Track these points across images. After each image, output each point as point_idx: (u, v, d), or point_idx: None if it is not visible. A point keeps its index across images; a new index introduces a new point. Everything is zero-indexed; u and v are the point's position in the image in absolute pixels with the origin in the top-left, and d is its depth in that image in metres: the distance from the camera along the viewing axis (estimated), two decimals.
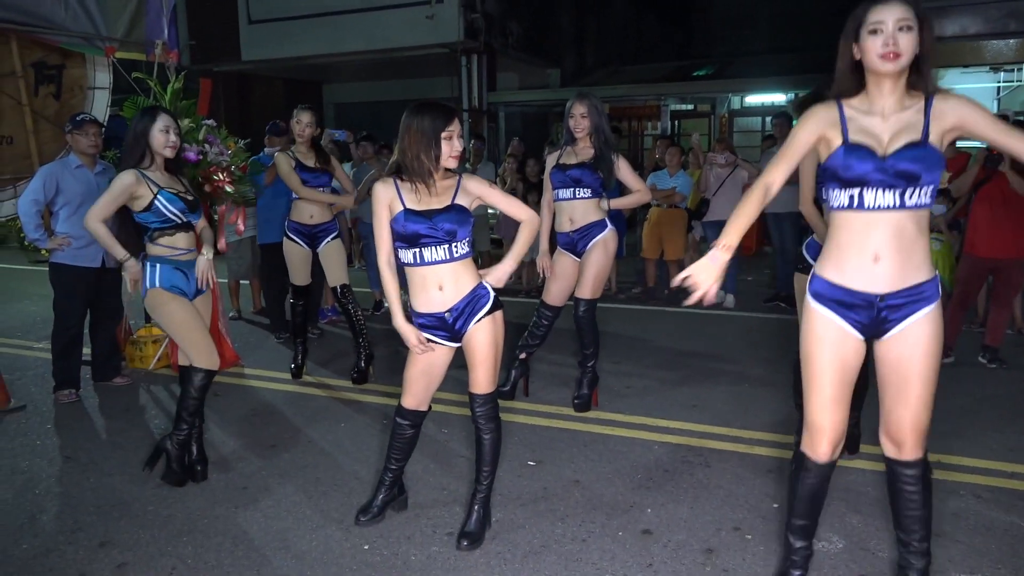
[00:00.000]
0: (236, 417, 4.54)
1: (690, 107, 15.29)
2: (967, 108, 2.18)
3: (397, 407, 3.07)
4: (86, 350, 5.10)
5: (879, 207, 2.18)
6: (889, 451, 2.36)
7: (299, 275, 5.12)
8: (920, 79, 2.20)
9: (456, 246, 2.82)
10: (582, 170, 4.17)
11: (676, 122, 15.46)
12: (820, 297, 2.31)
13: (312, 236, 5.02)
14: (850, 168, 2.19)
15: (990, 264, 5.16)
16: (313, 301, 6.46)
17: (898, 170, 2.14)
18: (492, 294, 2.91)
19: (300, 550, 3.03)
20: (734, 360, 5.52)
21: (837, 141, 2.24)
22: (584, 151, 4.21)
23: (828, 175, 2.26)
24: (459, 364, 3.03)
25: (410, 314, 2.94)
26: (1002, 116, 5.39)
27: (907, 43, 2.13)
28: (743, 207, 2.38)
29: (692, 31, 21.58)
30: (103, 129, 4.86)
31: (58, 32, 5.08)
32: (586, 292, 4.28)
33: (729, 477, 3.59)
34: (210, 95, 5.48)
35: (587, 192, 4.20)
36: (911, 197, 2.16)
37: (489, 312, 2.88)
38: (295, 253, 5.06)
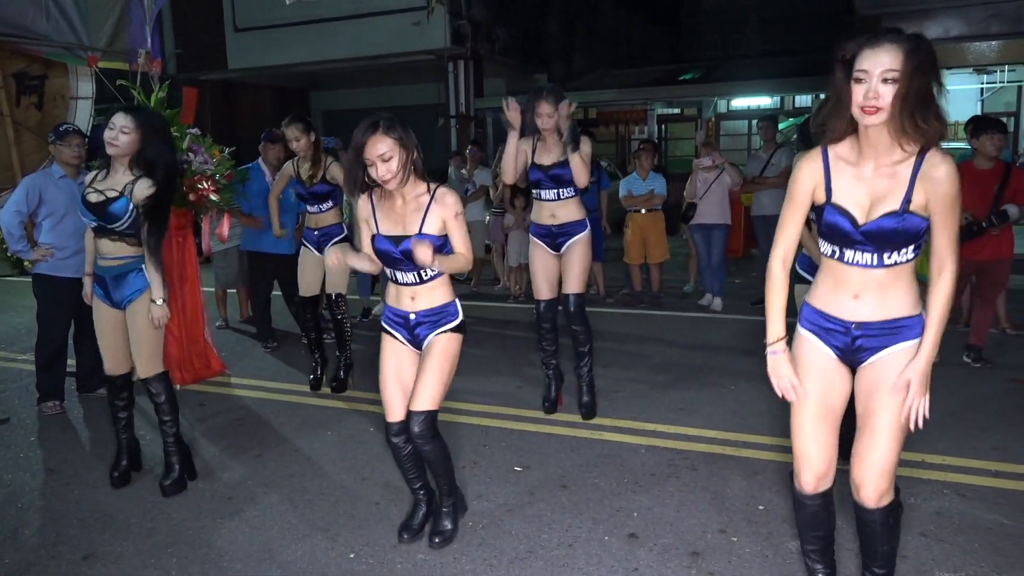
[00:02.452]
0: (221, 426, 4.52)
1: (677, 111, 15.36)
2: (940, 195, 2.07)
3: (385, 429, 3.01)
4: (71, 362, 5.07)
5: (858, 264, 2.19)
6: (853, 492, 2.29)
7: (308, 285, 5.11)
8: (905, 126, 2.03)
9: (425, 271, 2.84)
10: (563, 168, 4.16)
11: (663, 126, 15.52)
12: (806, 323, 2.34)
13: (318, 240, 5.03)
14: (831, 228, 2.19)
15: (975, 264, 5.19)
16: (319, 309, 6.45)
17: (875, 237, 2.13)
18: (460, 315, 2.94)
19: (285, 560, 3.01)
20: (721, 363, 5.53)
21: (822, 197, 2.23)
22: (555, 148, 4.19)
23: (818, 221, 2.26)
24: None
25: (383, 311, 3.02)
26: (989, 118, 5.45)
27: (891, 97, 2.00)
28: (773, 292, 2.32)
29: (680, 35, 21.71)
30: (86, 139, 4.84)
31: (40, 42, 5.06)
32: (574, 287, 4.29)
33: (716, 480, 3.59)
34: (196, 104, 5.46)
35: (571, 191, 4.21)
36: (889, 258, 2.15)
37: (453, 330, 2.91)
38: (308, 260, 5.06)
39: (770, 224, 7.19)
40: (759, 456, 3.84)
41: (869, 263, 2.16)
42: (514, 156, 4.18)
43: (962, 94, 11.41)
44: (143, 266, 3.48)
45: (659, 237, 7.56)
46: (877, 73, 2.00)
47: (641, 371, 5.40)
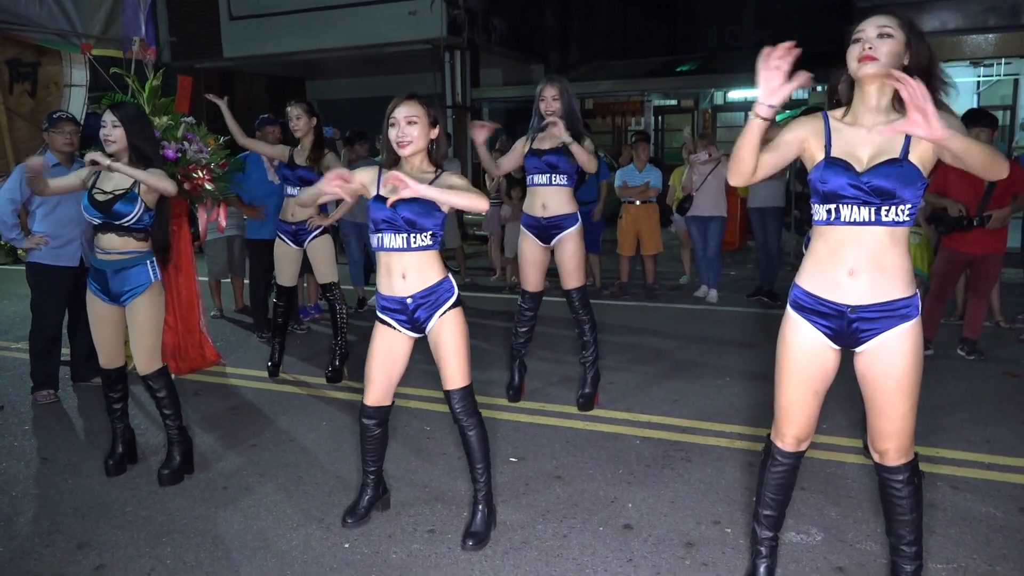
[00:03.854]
0: (216, 415, 4.52)
1: (674, 103, 15.34)
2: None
3: (361, 407, 3.05)
4: (64, 350, 5.06)
5: (854, 222, 2.18)
6: (875, 457, 2.37)
7: (284, 275, 5.11)
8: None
9: (414, 237, 2.81)
10: (558, 156, 4.13)
11: (659, 117, 15.50)
12: (795, 304, 2.35)
13: (295, 233, 5.00)
14: (826, 182, 2.20)
15: (967, 258, 5.20)
16: (294, 299, 6.44)
17: (873, 186, 2.14)
18: (456, 290, 2.93)
19: (280, 549, 3.02)
20: (716, 355, 5.54)
21: (820, 155, 2.24)
22: (557, 136, 4.19)
23: (811, 189, 2.28)
24: (429, 358, 3.01)
25: (376, 301, 2.98)
26: (979, 110, 5.44)
27: (887, 49, 2.11)
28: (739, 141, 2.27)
29: (677, 26, 21.64)
30: (79, 127, 4.81)
31: (33, 29, 5.03)
32: (573, 282, 4.28)
33: (710, 471, 3.61)
34: (191, 92, 5.43)
35: (563, 179, 4.17)
36: (887, 214, 2.15)
37: (453, 307, 2.89)
38: (282, 252, 5.06)
39: (766, 216, 7.20)
40: (754, 448, 3.85)
41: (867, 219, 2.17)
42: (486, 157, 4.24)
43: (959, 88, 11.41)
44: (146, 261, 3.47)
45: (653, 229, 7.56)
46: (873, 28, 2.14)
47: (636, 362, 5.41)
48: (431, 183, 2.79)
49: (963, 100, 11.37)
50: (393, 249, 2.84)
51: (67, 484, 3.66)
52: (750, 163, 2.25)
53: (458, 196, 2.70)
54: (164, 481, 3.56)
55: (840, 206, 2.19)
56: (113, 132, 3.39)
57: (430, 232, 2.83)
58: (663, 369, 5.24)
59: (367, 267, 7.64)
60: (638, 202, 7.50)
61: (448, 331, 2.88)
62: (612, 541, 3.01)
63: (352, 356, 5.25)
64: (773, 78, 2.13)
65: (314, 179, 4.86)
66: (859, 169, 2.17)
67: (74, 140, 4.67)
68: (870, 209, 2.16)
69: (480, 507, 3.04)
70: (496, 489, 3.44)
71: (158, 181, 3.36)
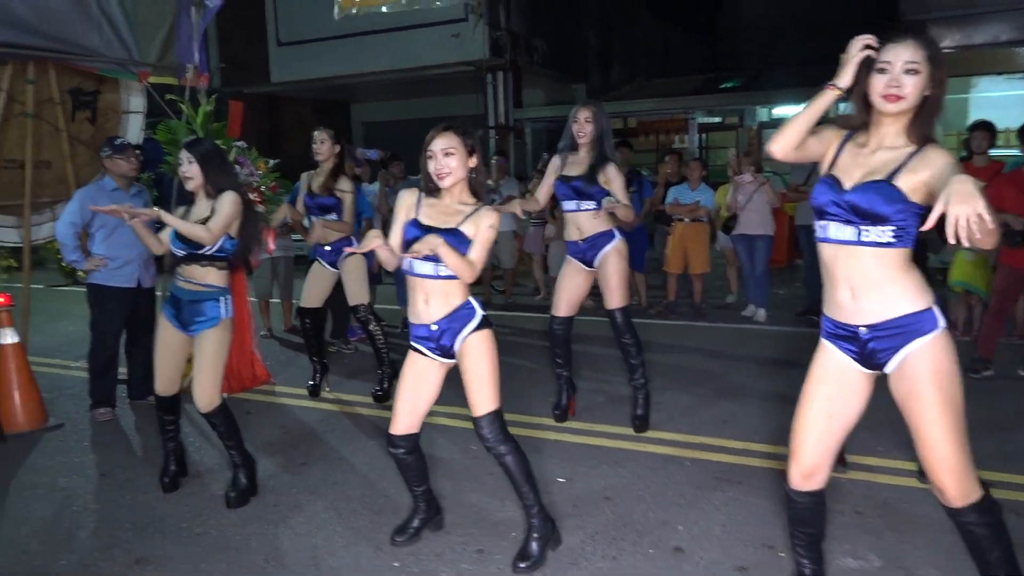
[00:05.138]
0: (267, 435, 4.60)
1: (718, 120, 15.26)
2: (940, 169, 2.06)
3: (388, 438, 3.03)
4: (122, 369, 5.20)
5: (840, 240, 2.19)
6: (937, 495, 2.25)
7: (310, 295, 5.20)
8: (920, 125, 2.17)
9: (441, 267, 2.82)
10: (583, 182, 4.17)
11: (704, 135, 15.43)
12: (825, 331, 2.35)
13: (331, 256, 5.11)
14: (815, 197, 2.23)
15: (1021, 276, 5.07)
16: (343, 318, 6.54)
17: (851, 204, 2.15)
18: (478, 311, 2.91)
19: (331, 567, 3.05)
20: (766, 375, 5.47)
21: (825, 167, 2.29)
22: (585, 162, 4.21)
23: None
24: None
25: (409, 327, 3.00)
26: (981, 121, 5.40)
27: (912, 86, 2.12)
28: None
29: (720, 43, 21.58)
30: (140, 152, 4.98)
31: (94, 59, 5.23)
32: (615, 302, 4.27)
33: (762, 494, 3.56)
34: (241, 117, 5.59)
35: (591, 204, 4.19)
36: (866, 234, 2.14)
37: (477, 329, 2.88)
38: (315, 274, 5.17)
39: (814, 234, 7.09)
40: None
41: (850, 238, 2.17)
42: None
43: (1011, 100, 11.14)
44: (220, 297, 3.56)
45: (701, 248, 7.52)
46: (901, 63, 2.12)
47: (685, 383, 5.37)
48: (466, 217, 2.84)
49: (1016, 114, 11.10)
50: (422, 275, 2.86)
51: (125, 499, 3.75)
52: (801, 133, 2.26)
53: (455, 261, 2.73)
54: (232, 503, 3.61)
55: (828, 223, 2.21)
56: (190, 169, 3.51)
57: None
58: (712, 390, 5.19)
59: None
60: (687, 220, 7.47)
61: (472, 355, 2.87)
62: (663, 564, 2.99)
63: (396, 374, 5.29)
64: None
65: (334, 204, 4.99)
66: (847, 187, 2.18)
67: (137, 165, 4.86)
68: (851, 228, 2.16)
69: (534, 533, 3.01)
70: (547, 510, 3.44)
71: (190, 229, 3.42)
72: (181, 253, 3.53)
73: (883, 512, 3.32)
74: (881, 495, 3.48)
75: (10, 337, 4.75)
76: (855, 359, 2.27)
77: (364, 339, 6.96)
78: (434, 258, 2.79)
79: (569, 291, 4.37)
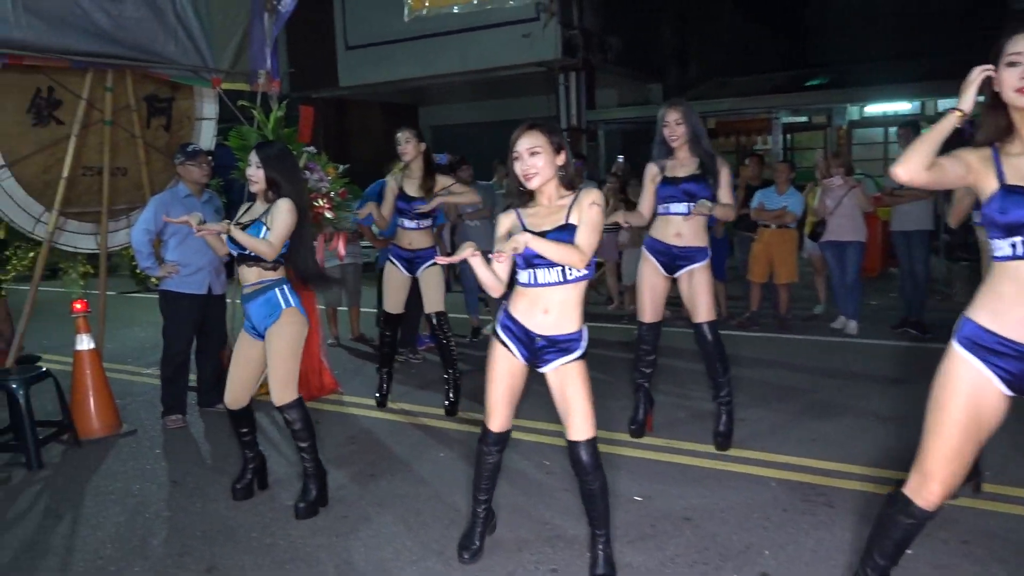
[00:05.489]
0: (335, 445, 4.70)
1: (804, 119, 14.93)
2: None
3: (482, 432, 3.09)
4: (192, 376, 5.40)
5: None
6: None
7: (393, 301, 5.27)
8: None
9: (569, 269, 2.81)
10: (698, 184, 4.10)
11: (789, 136, 15.10)
12: (967, 341, 2.20)
13: (411, 261, 5.16)
14: (1007, 212, 2.09)
15: None
16: (412, 327, 6.63)
17: None
18: (584, 346, 2.92)
19: None
20: (858, 392, 5.31)
21: (993, 183, 2.15)
22: (689, 162, 4.17)
23: (987, 222, 2.17)
24: (546, 388, 3.02)
25: (500, 317, 2.99)
26: None
27: None
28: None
29: (805, 38, 21.11)
30: (211, 158, 5.18)
31: (169, 66, 5.46)
32: (704, 315, 4.21)
33: (854, 518, 3.45)
34: (312, 122, 5.74)
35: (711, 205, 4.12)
36: None
37: (579, 358, 2.91)
38: (393, 278, 5.22)
39: (912, 240, 6.88)
40: None
41: None
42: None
43: None
44: (276, 288, 3.65)
45: (787, 256, 7.35)
46: None
47: (769, 399, 5.26)
48: (569, 208, 2.85)
49: None
50: (548, 284, 2.84)
51: (196, 507, 3.89)
52: (929, 154, 2.17)
53: (556, 250, 2.71)
54: (300, 514, 3.70)
55: None
56: (256, 173, 3.63)
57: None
58: (799, 406, 5.07)
59: (480, 294, 7.78)
60: (773, 226, 7.32)
61: (572, 380, 2.89)
62: None
63: (466, 387, 5.35)
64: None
65: (431, 212, 5.03)
66: None
67: (209, 171, 5.07)
68: None
69: (601, 548, 3.02)
70: (620, 528, 3.42)
71: (254, 245, 3.52)
72: (235, 252, 3.66)
73: (991, 542, 3.18)
74: (989, 524, 3.33)
75: (87, 343, 4.98)
76: (1003, 378, 2.16)
77: (431, 348, 7.04)
78: (557, 264, 2.78)
79: (653, 294, 4.33)
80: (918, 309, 7.00)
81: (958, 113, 2.17)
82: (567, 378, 2.90)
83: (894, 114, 13.32)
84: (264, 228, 3.61)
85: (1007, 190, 2.10)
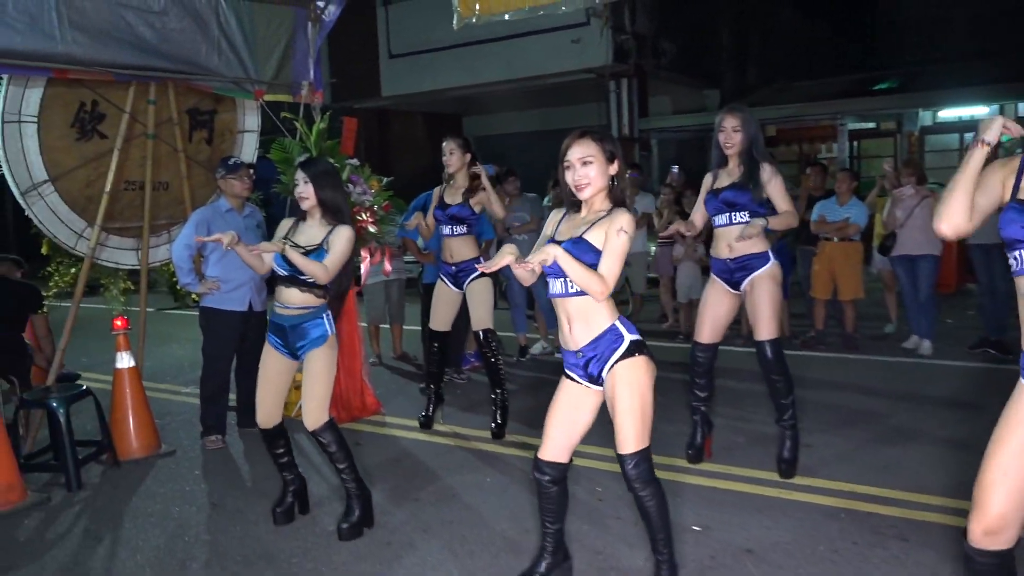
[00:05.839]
0: (378, 467, 4.74)
1: (872, 126, 14.73)
2: None
3: (534, 460, 3.07)
4: (231, 395, 5.51)
5: None
6: None
7: (440, 318, 5.31)
8: None
9: (572, 283, 2.81)
10: (735, 191, 4.11)
11: (856, 143, 14.91)
12: None
13: (455, 275, 5.20)
14: (1003, 227, 2.14)
15: None
16: (457, 345, 6.66)
17: None
18: (626, 336, 2.86)
19: None
20: (933, 417, 5.19)
21: (1007, 195, 2.18)
22: (736, 171, 4.17)
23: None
24: (602, 413, 3.03)
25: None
26: None
27: None
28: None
29: (873, 38, 20.81)
30: (253, 171, 5.31)
31: (212, 78, 5.62)
32: (765, 332, 4.16)
33: (931, 553, 3.37)
34: (355, 134, 5.84)
35: (743, 216, 4.12)
36: None
37: (624, 356, 2.84)
38: (443, 294, 5.27)
39: (992, 254, 6.72)
40: None
41: None
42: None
43: None
44: (323, 315, 3.74)
45: (852, 271, 7.23)
46: None
47: (837, 424, 5.17)
48: (592, 224, 2.85)
49: None
50: (556, 295, 2.88)
51: (235, 531, 3.97)
52: (966, 202, 2.19)
53: (579, 273, 2.71)
54: (344, 536, 3.76)
55: (1019, 251, 2.12)
56: (305, 189, 3.71)
57: None
58: (869, 432, 4.98)
59: (529, 310, 7.80)
60: (836, 239, 7.22)
61: (620, 385, 2.84)
62: None
63: (514, 409, 5.36)
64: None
65: (468, 216, 5.07)
66: None
67: (251, 185, 5.20)
68: None
69: (664, 574, 2.99)
70: (677, 560, 3.39)
71: (307, 266, 3.58)
72: (284, 273, 3.72)
73: None
74: None
75: (127, 361, 5.13)
76: None
77: (477, 368, 7.07)
78: (562, 273, 2.79)
79: (714, 315, 4.31)
80: (998, 328, 6.82)
81: (983, 147, 2.19)
82: (613, 383, 2.86)
83: (970, 119, 13.05)
84: (326, 255, 3.68)
85: (1012, 204, 2.14)
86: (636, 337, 2.88)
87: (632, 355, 2.85)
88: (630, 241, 2.83)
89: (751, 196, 4.09)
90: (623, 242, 2.79)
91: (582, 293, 2.82)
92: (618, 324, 2.88)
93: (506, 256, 2.73)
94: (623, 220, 2.81)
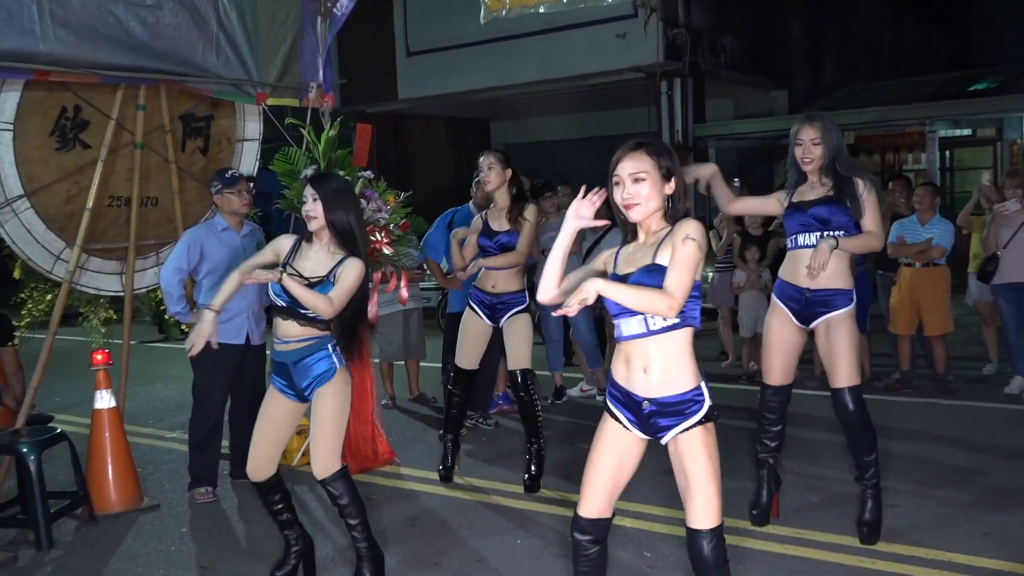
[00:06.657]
0: (392, 527, 4.76)
1: (967, 132, 14.65)
2: None
3: (573, 518, 3.05)
4: (224, 441, 5.56)
5: None
6: None
7: (469, 355, 5.32)
8: None
9: (651, 318, 2.80)
10: (830, 207, 4.07)
11: (948, 152, 14.83)
12: None
13: (493, 308, 5.21)
14: None
15: None
16: (485, 386, 6.66)
17: None
18: (707, 401, 2.87)
19: None
20: None
21: None
22: (820, 184, 4.15)
23: None
24: (658, 466, 3.03)
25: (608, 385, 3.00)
26: None
27: None
28: None
29: (968, 33, 20.74)
30: (252, 185, 5.37)
31: (210, 80, 5.71)
32: (844, 379, 4.11)
33: None
34: (369, 142, 5.90)
35: (839, 235, 4.07)
36: None
37: (701, 422, 2.85)
38: (472, 325, 5.27)
39: None
40: None
41: None
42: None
43: None
44: (327, 346, 3.76)
45: (938, 301, 7.16)
46: None
47: (927, 482, 5.12)
48: (659, 244, 2.85)
49: None
50: (632, 337, 2.86)
51: None
52: None
53: (632, 295, 2.70)
54: None
55: None
56: (314, 207, 3.72)
57: None
58: (967, 492, 4.92)
59: (567, 349, 7.81)
60: (918, 264, 7.17)
61: (695, 453, 2.84)
62: None
63: (550, 458, 5.36)
64: None
65: (516, 242, 5.07)
66: None
67: (250, 200, 5.26)
68: None
69: None
70: None
71: (311, 300, 3.58)
72: (282, 303, 3.71)
73: None
74: None
75: (107, 401, 5.19)
76: None
77: (505, 411, 7.08)
78: (632, 311, 2.78)
79: (784, 351, 4.28)
80: None
81: None
82: (687, 449, 2.85)
83: None
84: (331, 287, 3.69)
85: None
86: (711, 403, 2.89)
87: (709, 420, 2.87)
88: (700, 250, 2.79)
89: (850, 214, 4.07)
90: (691, 250, 2.76)
91: (667, 329, 2.81)
92: (703, 387, 2.89)
93: (591, 292, 2.69)
94: (690, 227, 2.80)
